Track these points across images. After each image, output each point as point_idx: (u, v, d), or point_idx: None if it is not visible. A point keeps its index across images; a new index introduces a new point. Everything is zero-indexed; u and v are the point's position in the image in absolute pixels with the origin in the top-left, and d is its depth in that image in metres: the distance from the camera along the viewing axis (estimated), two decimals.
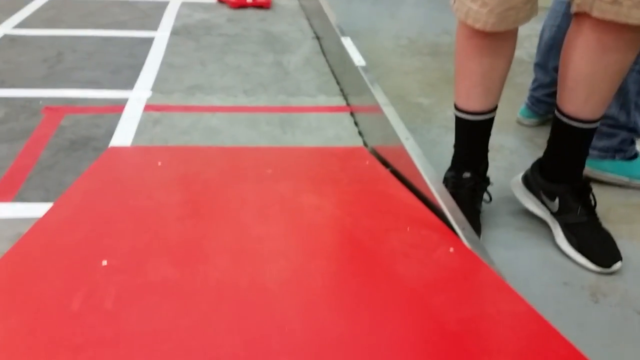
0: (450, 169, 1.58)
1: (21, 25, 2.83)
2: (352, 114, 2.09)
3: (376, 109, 1.71)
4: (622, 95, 1.66)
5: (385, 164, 1.58)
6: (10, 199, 1.49)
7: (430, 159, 1.40)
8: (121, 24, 2.93)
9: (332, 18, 2.54)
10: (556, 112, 1.41)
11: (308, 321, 0.82)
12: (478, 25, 1.31)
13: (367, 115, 1.93)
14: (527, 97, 2.10)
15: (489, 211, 1.59)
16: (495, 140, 1.57)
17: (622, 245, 1.43)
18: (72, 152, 1.74)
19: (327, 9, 2.72)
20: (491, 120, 1.49)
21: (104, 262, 0.94)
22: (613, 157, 1.73)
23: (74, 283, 0.88)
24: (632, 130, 1.70)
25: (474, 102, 1.44)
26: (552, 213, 1.51)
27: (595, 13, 1.19)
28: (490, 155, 1.56)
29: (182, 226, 1.12)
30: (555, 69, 1.93)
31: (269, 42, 2.79)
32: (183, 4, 3.25)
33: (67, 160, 1.69)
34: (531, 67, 2.08)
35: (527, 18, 1.33)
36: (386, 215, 1.22)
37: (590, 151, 1.65)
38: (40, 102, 2.04)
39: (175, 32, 2.84)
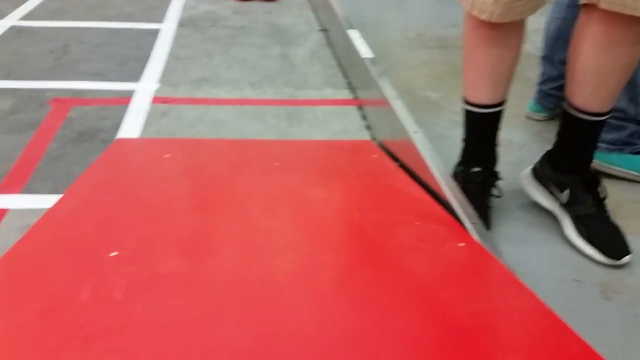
0: (459, 164, 1.56)
1: (28, 17, 2.83)
2: (359, 107, 2.08)
3: (384, 102, 1.71)
4: (631, 88, 1.63)
5: (393, 157, 1.58)
6: (19, 190, 1.49)
7: (439, 153, 1.39)
8: (127, 15, 2.93)
9: (339, 10, 2.53)
10: (565, 104, 1.40)
11: (317, 314, 0.81)
12: (484, 16, 1.30)
13: (374, 108, 1.92)
14: (535, 92, 2.09)
15: (498, 206, 1.58)
16: (504, 134, 1.56)
17: (633, 241, 1.42)
18: (80, 143, 1.74)
19: (333, 1, 2.70)
20: (500, 114, 1.48)
21: (113, 253, 0.94)
22: (622, 150, 1.72)
23: (83, 274, 0.88)
24: None
25: (482, 94, 1.43)
26: (561, 205, 1.49)
27: (603, 5, 1.18)
28: (499, 149, 1.55)
29: (190, 218, 1.11)
30: (562, 62, 1.92)
31: (275, 34, 2.78)
32: None
33: (75, 152, 1.69)
34: (539, 61, 2.06)
35: (533, 9, 1.32)
36: (395, 209, 1.22)
37: (599, 144, 1.64)
38: (48, 93, 2.04)
39: (181, 24, 2.83)
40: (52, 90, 2.07)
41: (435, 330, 0.79)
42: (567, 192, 1.46)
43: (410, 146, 1.45)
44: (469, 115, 1.49)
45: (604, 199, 1.45)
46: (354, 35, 2.18)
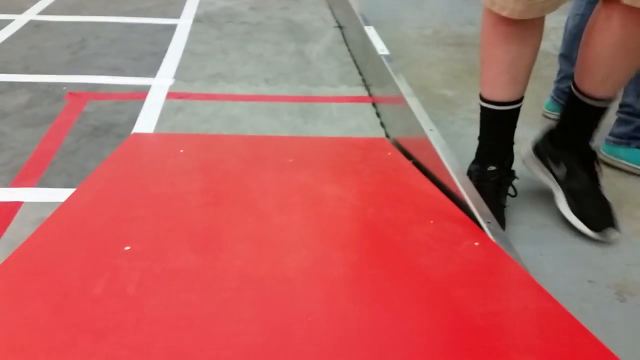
0: (474, 162, 1.55)
1: (46, 11, 2.85)
2: (374, 104, 2.07)
3: (399, 99, 1.69)
4: (639, 84, 1.67)
5: (407, 155, 1.56)
6: (34, 184, 1.50)
7: (454, 152, 1.37)
8: (144, 11, 2.94)
9: (356, 7, 2.51)
10: (572, 86, 1.41)
11: (331, 311, 0.81)
12: (505, 13, 1.29)
13: (389, 106, 1.91)
14: (552, 90, 2.06)
15: (512, 206, 1.56)
16: (521, 133, 1.54)
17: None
18: (95, 138, 1.75)
19: None
20: (517, 111, 1.46)
21: (127, 248, 0.94)
22: (628, 145, 1.74)
23: (97, 268, 0.88)
24: None
25: (500, 91, 1.42)
26: (557, 179, 1.53)
27: (626, 0, 1.18)
28: (515, 148, 1.54)
29: (204, 214, 1.11)
30: None
31: (291, 30, 2.78)
32: None
33: (89, 146, 1.70)
34: (557, 59, 2.03)
35: (554, 6, 1.30)
36: (409, 207, 1.21)
37: (607, 137, 1.74)
38: (64, 87, 2.05)
39: (197, 20, 2.83)
40: (68, 84, 2.08)
41: (449, 330, 0.78)
42: (563, 167, 1.51)
43: (425, 144, 1.44)
44: (485, 112, 1.47)
45: (598, 175, 1.50)
46: (370, 32, 2.17)
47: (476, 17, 2.96)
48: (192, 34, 2.65)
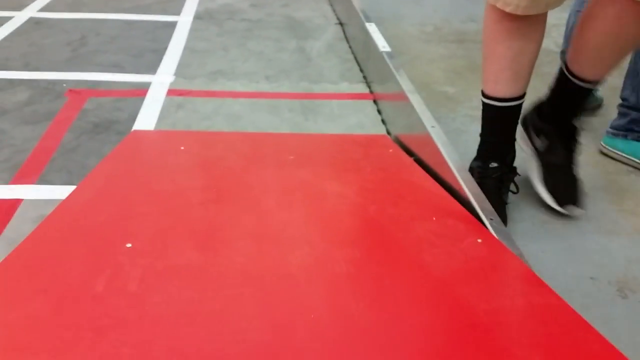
0: (476, 159, 1.55)
1: (46, 8, 2.85)
2: (375, 101, 2.06)
3: (401, 96, 1.69)
4: (635, 78, 1.73)
5: (408, 152, 1.56)
6: (34, 181, 1.50)
7: (456, 149, 1.37)
8: (144, 8, 2.93)
9: (356, 3, 2.50)
10: (563, 64, 1.45)
11: (334, 309, 0.80)
12: (509, 9, 1.28)
13: (391, 102, 1.90)
14: None
15: (514, 203, 1.56)
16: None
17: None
18: (95, 135, 1.74)
19: None
20: (519, 107, 1.46)
21: (128, 245, 0.93)
22: (625, 137, 1.77)
23: (98, 265, 0.88)
24: None
25: (502, 87, 1.41)
26: (536, 150, 1.57)
27: None
28: (516, 145, 1.53)
29: (205, 210, 1.11)
30: None
31: (292, 27, 2.77)
32: None
33: (90, 143, 1.69)
34: (558, 57, 2.03)
35: (559, 2, 1.31)
36: (411, 204, 1.20)
37: (607, 129, 1.79)
38: (64, 84, 2.04)
39: (198, 17, 2.83)
40: (68, 81, 2.08)
41: (453, 327, 0.77)
42: (544, 140, 1.56)
43: (427, 141, 1.43)
44: (487, 109, 1.47)
45: (575, 153, 1.56)
46: (372, 29, 2.16)
47: (477, 13, 2.95)
48: (193, 31, 2.65)
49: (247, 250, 0.96)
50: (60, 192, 1.42)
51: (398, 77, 1.75)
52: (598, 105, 2.08)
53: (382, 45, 2.01)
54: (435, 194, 1.25)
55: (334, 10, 3.04)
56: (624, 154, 1.77)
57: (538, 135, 1.57)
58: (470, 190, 1.20)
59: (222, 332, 0.74)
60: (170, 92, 2.03)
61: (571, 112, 1.52)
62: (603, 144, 1.81)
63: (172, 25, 2.69)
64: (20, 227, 1.31)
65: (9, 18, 2.66)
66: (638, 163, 1.74)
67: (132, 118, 1.84)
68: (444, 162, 1.32)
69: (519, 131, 1.61)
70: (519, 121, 1.59)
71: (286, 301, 0.82)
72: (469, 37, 2.77)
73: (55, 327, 0.73)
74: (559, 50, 2.04)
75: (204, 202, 1.15)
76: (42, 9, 2.83)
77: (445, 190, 1.26)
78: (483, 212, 1.12)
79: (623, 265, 1.36)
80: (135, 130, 1.72)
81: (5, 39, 2.44)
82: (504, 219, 1.44)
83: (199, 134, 1.70)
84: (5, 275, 0.85)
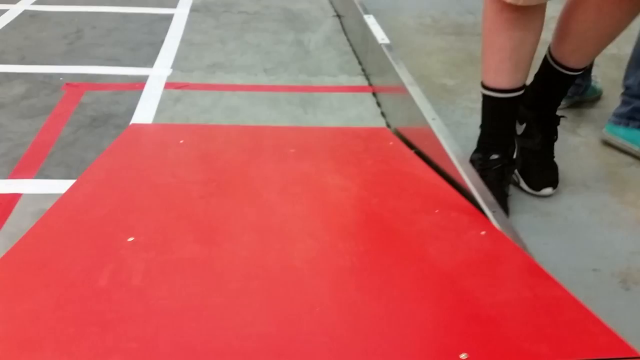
0: (476, 151, 1.54)
1: (40, 1, 2.82)
2: (374, 94, 2.05)
3: (400, 88, 1.68)
4: (639, 67, 1.75)
5: (409, 145, 1.55)
6: (32, 175, 1.49)
7: (456, 141, 1.36)
8: (140, 0, 2.90)
9: None
10: (547, 52, 1.49)
11: (339, 302, 0.80)
12: (510, 0, 1.28)
13: (390, 95, 1.89)
14: None
15: (515, 195, 1.55)
16: None
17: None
18: (93, 128, 1.73)
19: None
20: (520, 98, 1.46)
21: (130, 239, 0.93)
22: (627, 125, 1.78)
23: (101, 259, 0.87)
24: None
25: (503, 79, 1.41)
26: (516, 135, 1.58)
27: None
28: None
29: (207, 204, 1.10)
30: None
31: (289, 20, 2.75)
32: None
33: (88, 137, 1.68)
34: None
35: None
36: (413, 197, 1.20)
37: (610, 117, 1.81)
38: (61, 78, 2.03)
39: (194, 9, 2.81)
40: (65, 75, 2.06)
41: (459, 320, 0.77)
42: (524, 125, 1.59)
43: (427, 133, 1.43)
44: (488, 100, 1.46)
45: (553, 140, 1.59)
46: (370, 21, 2.15)
47: (475, 6, 2.94)
48: (189, 23, 2.63)
49: (250, 243, 0.95)
50: (60, 186, 1.40)
51: (397, 70, 1.74)
52: (597, 96, 2.07)
53: (381, 37, 2.00)
54: (437, 186, 1.24)
55: (331, 3, 3.02)
56: (625, 142, 1.77)
57: (520, 123, 1.59)
58: (472, 182, 1.19)
59: (228, 326, 0.74)
60: (168, 85, 2.02)
61: (553, 100, 1.56)
62: (605, 131, 1.82)
63: (169, 18, 2.67)
64: (20, 222, 1.30)
65: (3, 11, 2.63)
66: (637, 151, 1.75)
67: (130, 111, 1.83)
68: (445, 155, 1.31)
69: None
70: None
71: (291, 294, 0.82)
72: (467, 30, 2.76)
73: (60, 322, 0.73)
74: None
75: (205, 196, 1.14)
76: (37, 2, 2.80)
77: (447, 182, 1.26)
78: (486, 204, 1.12)
79: (625, 257, 1.36)
80: (133, 124, 1.71)
81: (0, 32, 2.42)
82: (505, 211, 1.44)
83: (198, 127, 1.69)
84: (7, 270, 0.84)
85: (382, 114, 1.91)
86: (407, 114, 1.64)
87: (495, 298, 0.80)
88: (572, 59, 1.44)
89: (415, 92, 1.60)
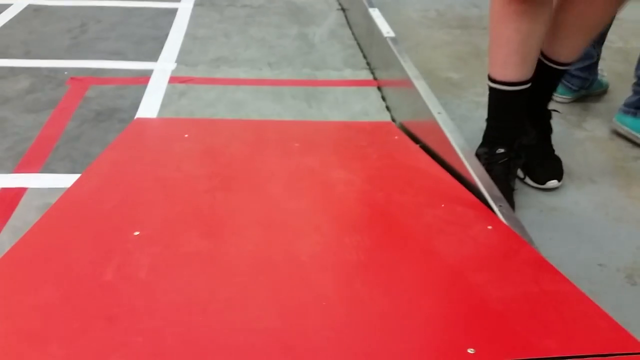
0: (482, 145, 1.54)
1: None
2: (379, 88, 2.04)
3: (406, 82, 1.67)
4: None
5: (414, 139, 1.55)
6: (38, 170, 1.49)
7: (461, 135, 1.36)
8: None
9: None
10: None
11: (346, 296, 0.80)
12: None
13: (395, 89, 1.88)
14: None
15: (520, 190, 1.55)
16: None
17: None
18: (98, 123, 1.73)
19: None
20: (527, 92, 1.45)
21: (136, 233, 0.93)
22: (635, 114, 1.79)
23: (107, 253, 0.87)
24: None
25: (510, 71, 1.41)
26: None
27: None
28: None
29: (212, 198, 1.10)
30: None
31: (293, 13, 2.74)
32: None
33: (93, 131, 1.68)
34: None
35: None
36: (419, 191, 1.19)
37: (620, 106, 1.83)
38: (65, 72, 2.03)
39: (198, 3, 2.80)
40: (69, 69, 2.06)
41: (467, 315, 0.77)
42: None
43: (433, 127, 1.42)
44: (495, 93, 1.46)
45: (549, 135, 1.62)
46: (375, 14, 2.14)
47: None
48: (193, 17, 2.62)
49: (256, 238, 0.95)
50: (65, 180, 1.41)
51: (403, 63, 1.73)
52: (604, 90, 2.06)
53: (386, 30, 1.99)
54: (443, 180, 1.24)
55: None
56: (631, 131, 1.79)
57: None
58: (478, 176, 1.19)
59: (234, 321, 0.74)
60: (173, 79, 2.01)
61: (544, 95, 1.58)
62: (614, 120, 1.83)
63: (173, 12, 2.67)
64: (25, 216, 1.30)
65: (7, 5, 2.63)
66: None
67: (135, 106, 1.82)
68: (451, 149, 1.31)
69: None
70: None
71: (297, 289, 0.81)
72: (472, 23, 2.74)
73: (66, 315, 0.73)
74: None
75: (211, 190, 1.14)
76: None
77: (452, 176, 1.25)
78: (492, 198, 1.12)
79: (632, 252, 1.36)
80: (138, 118, 1.71)
81: (5, 26, 2.42)
82: (512, 205, 1.43)
83: (202, 122, 1.69)
84: (13, 263, 0.84)
85: (387, 108, 1.91)
86: (413, 108, 1.63)
87: (502, 293, 0.80)
88: (562, 53, 1.47)
89: (421, 85, 1.60)
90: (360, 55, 2.31)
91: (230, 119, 1.77)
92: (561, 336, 0.71)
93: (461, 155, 1.26)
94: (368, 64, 2.24)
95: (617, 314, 1.19)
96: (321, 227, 1.01)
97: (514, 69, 1.39)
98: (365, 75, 2.14)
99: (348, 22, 2.66)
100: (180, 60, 2.17)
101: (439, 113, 1.44)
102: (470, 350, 0.67)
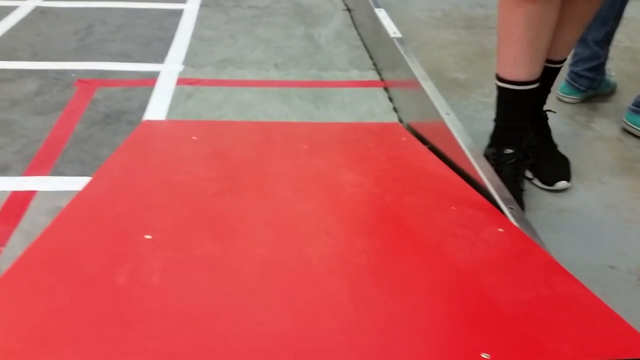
0: (489, 146, 1.53)
1: None
2: (385, 89, 2.04)
3: (413, 83, 1.67)
4: None
5: (422, 140, 1.54)
6: (47, 173, 1.49)
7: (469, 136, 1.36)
8: None
9: None
10: None
11: (358, 299, 0.80)
12: None
13: (402, 90, 1.88)
14: (566, 73, 2.04)
15: (529, 191, 1.54)
16: None
17: None
18: (107, 125, 1.73)
19: None
20: (535, 91, 1.45)
21: (148, 237, 0.93)
22: None
23: (119, 257, 0.87)
24: None
25: (521, 70, 1.40)
26: None
27: None
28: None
29: (222, 201, 1.10)
30: (595, 42, 1.89)
31: (299, 14, 2.74)
32: None
33: (101, 134, 1.69)
34: None
35: None
36: (429, 193, 1.19)
37: (630, 106, 1.83)
38: (73, 74, 2.03)
39: (204, 4, 2.80)
40: (77, 71, 2.06)
41: (479, 318, 0.76)
42: None
43: (441, 128, 1.42)
44: (504, 93, 1.45)
45: (548, 134, 1.64)
46: (382, 15, 2.13)
47: None
48: (199, 19, 2.62)
49: (266, 241, 0.95)
50: (74, 183, 1.41)
51: (410, 64, 1.73)
52: (612, 90, 2.06)
53: (393, 31, 1.99)
54: (452, 182, 1.24)
55: None
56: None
57: None
58: (488, 178, 1.19)
59: (247, 324, 0.74)
60: (180, 81, 2.02)
61: (539, 95, 1.57)
62: (624, 119, 1.84)
63: (179, 13, 2.67)
64: (35, 219, 1.30)
65: (14, 7, 2.64)
66: None
67: (143, 108, 1.83)
68: (460, 150, 1.31)
69: None
70: None
71: (309, 293, 0.81)
72: (478, 23, 2.74)
73: (80, 319, 0.73)
74: None
75: (220, 193, 1.14)
76: None
77: (462, 178, 1.25)
78: (502, 200, 1.11)
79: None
80: (146, 120, 1.71)
81: (12, 28, 2.43)
82: (521, 206, 1.43)
83: (210, 124, 1.69)
84: (27, 268, 0.85)
85: (394, 109, 1.90)
86: (420, 109, 1.63)
87: (515, 296, 0.80)
88: (557, 52, 1.49)
89: (428, 86, 1.60)
90: (367, 56, 2.31)
91: (238, 120, 1.77)
92: (576, 341, 0.71)
93: (470, 157, 1.26)
94: (374, 64, 2.23)
95: (629, 316, 1.19)
96: (331, 229, 1.01)
97: (524, 68, 1.39)
98: (372, 76, 2.14)
99: (354, 23, 2.66)
100: (187, 61, 2.18)
101: (447, 114, 1.44)
102: (485, 355, 0.67)
